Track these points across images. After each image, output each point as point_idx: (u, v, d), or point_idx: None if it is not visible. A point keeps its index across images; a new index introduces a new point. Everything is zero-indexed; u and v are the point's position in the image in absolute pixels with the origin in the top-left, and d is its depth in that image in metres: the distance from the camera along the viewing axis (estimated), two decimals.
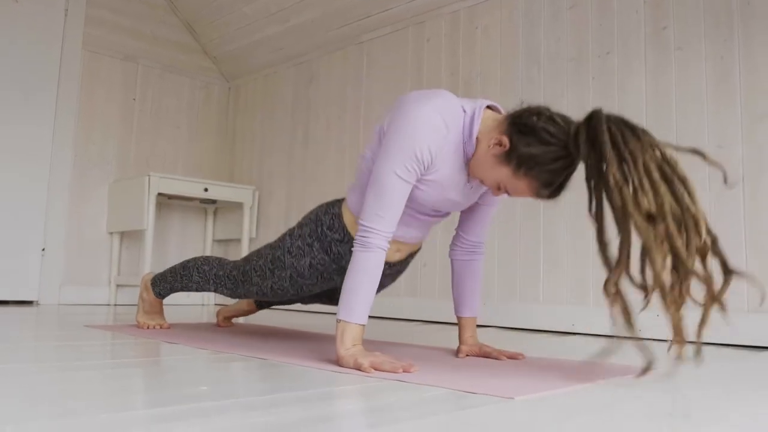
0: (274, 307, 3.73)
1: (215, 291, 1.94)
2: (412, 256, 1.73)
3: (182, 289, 2.05)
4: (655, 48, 2.39)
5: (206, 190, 3.69)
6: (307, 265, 1.65)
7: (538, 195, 1.45)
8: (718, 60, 2.23)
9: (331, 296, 1.97)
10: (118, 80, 3.90)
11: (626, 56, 2.46)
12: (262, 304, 2.33)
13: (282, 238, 1.73)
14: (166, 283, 2.08)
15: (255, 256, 1.79)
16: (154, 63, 4.06)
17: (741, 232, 2.11)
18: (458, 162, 1.45)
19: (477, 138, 1.42)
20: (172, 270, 2.06)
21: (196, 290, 2.00)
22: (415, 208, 1.53)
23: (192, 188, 3.64)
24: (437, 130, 1.38)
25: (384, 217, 1.39)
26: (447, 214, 1.63)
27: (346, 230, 1.60)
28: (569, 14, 2.66)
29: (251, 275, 1.78)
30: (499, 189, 1.45)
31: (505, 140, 1.36)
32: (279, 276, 1.71)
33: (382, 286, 1.73)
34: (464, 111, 1.44)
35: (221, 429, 0.78)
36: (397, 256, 1.64)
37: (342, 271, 1.66)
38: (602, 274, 2.37)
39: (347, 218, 1.60)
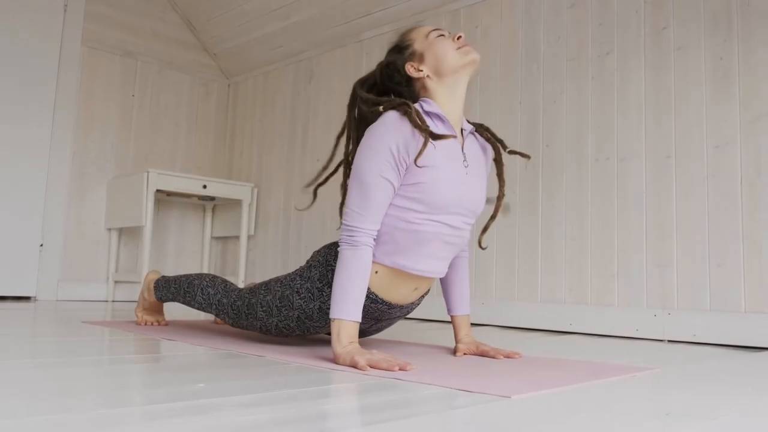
0: None
1: (215, 314, 1.87)
2: (423, 297, 1.69)
3: (184, 303, 2.00)
4: (654, 48, 2.39)
5: (205, 187, 3.69)
6: (316, 308, 1.59)
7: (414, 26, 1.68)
8: (718, 60, 2.23)
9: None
10: (117, 76, 3.90)
11: (626, 56, 2.46)
12: None
13: (292, 278, 1.66)
14: (169, 292, 2.05)
15: (263, 290, 1.71)
16: (153, 59, 4.06)
17: (739, 232, 2.11)
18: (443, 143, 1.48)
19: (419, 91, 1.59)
20: (177, 282, 2.01)
21: (197, 309, 1.95)
22: (435, 219, 1.49)
23: (191, 185, 3.64)
24: (399, 120, 1.44)
25: (366, 216, 1.42)
26: (465, 229, 1.60)
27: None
28: (569, 13, 2.65)
29: (256, 309, 1.70)
30: (453, 40, 1.61)
31: (408, 67, 1.59)
32: (286, 315, 1.64)
33: (382, 328, 1.75)
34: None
35: (218, 426, 0.78)
36: (413, 296, 1.61)
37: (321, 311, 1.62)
38: (601, 272, 2.37)
39: None
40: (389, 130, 1.43)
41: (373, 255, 1.51)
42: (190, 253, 4.14)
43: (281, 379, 1.16)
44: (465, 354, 1.62)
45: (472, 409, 0.93)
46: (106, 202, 3.78)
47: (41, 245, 3.51)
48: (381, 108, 1.48)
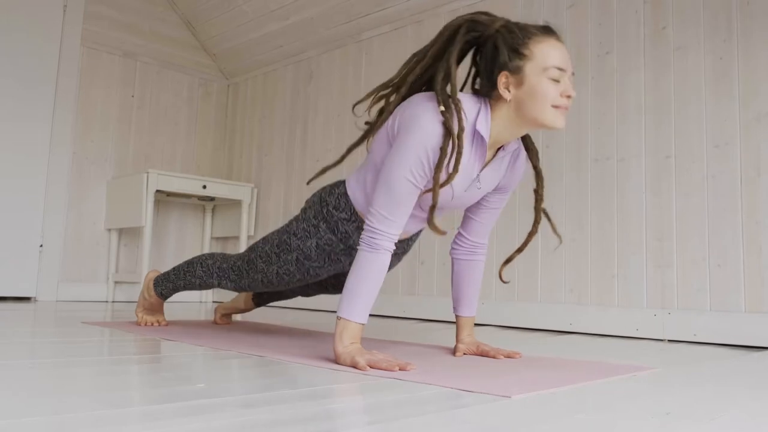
0: (271, 305, 3.72)
1: (219, 285, 1.93)
2: (417, 234, 1.77)
3: (185, 287, 2.04)
4: (654, 48, 2.39)
5: (205, 187, 3.69)
6: (313, 246, 1.65)
7: (549, 34, 1.42)
8: (717, 60, 2.23)
9: (336, 284, 1.98)
10: (116, 77, 3.90)
11: (626, 56, 2.46)
12: (259, 301, 2.32)
13: (288, 223, 1.73)
14: (168, 282, 2.08)
15: (260, 242, 1.79)
16: (152, 60, 4.05)
17: (739, 232, 2.11)
18: (467, 158, 1.45)
19: (491, 121, 1.44)
20: (176, 268, 2.06)
21: (200, 286, 1.98)
22: (421, 206, 1.54)
23: (190, 185, 3.64)
24: (440, 128, 1.37)
25: (392, 220, 1.39)
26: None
27: (353, 209, 1.60)
28: (568, 13, 2.65)
29: (256, 263, 1.77)
30: (561, 96, 1.40)
31: (503, 77, 1.39)
32: (285, 260, 1.70)
33: (390, 266, 1.73)
34: (472, 105, 1.44)
35: (218, 426, 0.78)
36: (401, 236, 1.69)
37: (350, 251, 1.66)
38: (601, 272, 2.38)
39: (353, 198, 1.60)
40: (427, 135, 1.37)
41: (355, 203, 1.59)
42: (190, 253, 4.14)
43: (281, 379, 1.16)
44: (465, 354, 1.62)
45: (472, 409, 0.93)
46: (105, 202, 3.78)
47: (41, 246, 3.51)
48: (442, 108, 1.37)
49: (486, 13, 1.46)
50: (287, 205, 3.83)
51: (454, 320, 1.72)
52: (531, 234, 1.57)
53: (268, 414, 0.86)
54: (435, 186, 1.36)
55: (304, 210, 1.70)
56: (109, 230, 3.76)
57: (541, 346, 1.94)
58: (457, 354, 1.61)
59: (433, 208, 1.40)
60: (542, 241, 2.60)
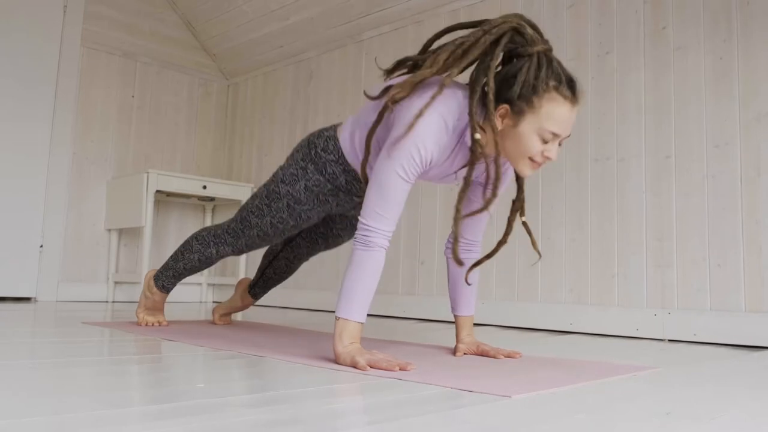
0: (270, 305, 3.73)
1: (217, 254, 1.98)
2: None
3: (185, 269, 2.07)
4: (654, 48, 2.39)
5: (205, 187, 3.69)
6: (302, 188, 1.71)
7: (566, 97, 1.39)
8: (717, 60, 2.23)
9: (325, 233, 2.05)
10: (116, 77, 3.90)
11: (626, 56, 2.46)
12: (256, 292, 2.33)
13: (273, 174, 1.81)
14: (168, 270, 2.11)
15: (249, 200, 1.87)
16: (152, 60, 4.05)
17: (739, 232, 2.11)
18: (449, 155, 1.48)
19: (479, 131, 1.41)
20: (173, 255, 2.11)
21: (199, 262, 2.02)
22: None
23: (190, 185, 3.64)
24: (439, 132, 1.39)
25: (386, 217, 1.40)
26: None
27: (341, 152, 1.64)
28: (569, 13, 2.65)
29: (249, 218, 1.85)
30: (541, 155, 1.41)
31: (502, 108, 1.38)
32: (276, 208, 1.77)
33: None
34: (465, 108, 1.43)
35: (218, 426, 0.77)
36: None
37: (336, 191, 1.72)
38: (601, 272, 2.38)
39: (342, 144, 1.64)
40: (430, 137, 1.38)
41: (343, 149, 1.63)
42: None
43: (282, 379, 1.16)
44: (465, 354, 1.62)
45: (472, 409, 0.93)
46: (105, 202, 3.78)
47: (41, 246, 3.51)
48: (477, 136, 1.38)
49: (533, 26, 1.44)
50: None
51: (451, 321, 1.72)
52: (500, 243, 1.56)
53: (268, 414, 0.86)
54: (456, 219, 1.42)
55: (291, 155, 1.77)
56: (109, 230, 3.76)
57: (542, 346, 1.94)
58: (458, 354, 1.61)
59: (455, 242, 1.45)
60: (542, 242, 2.60)
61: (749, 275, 2.08)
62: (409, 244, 3.11)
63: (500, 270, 2.74)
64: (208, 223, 4.18)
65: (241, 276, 3.92)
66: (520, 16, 1.44)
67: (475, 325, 2.72)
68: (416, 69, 1.50)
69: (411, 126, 1.36)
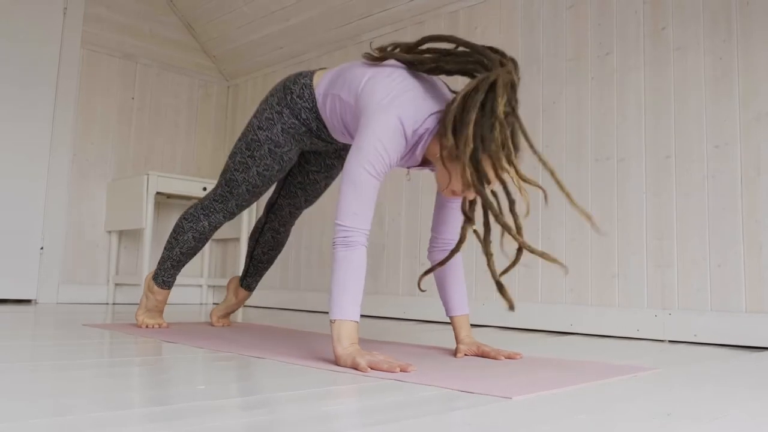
0: (270, 305, 3.72)
1: (210, 225, 2.03)
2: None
3: (181, 255, 2.10)
4: (654, 48, 2.39)
5: (205, 189, 3.69)
6: (279, 131, 1.80)
7: (501, 168, 1.42)
8: (717, 60, 2.23)
9: (304, 186, 2.13)
10: (116, 79, 3.90)
11: (625, 56, 2.46)
12: (248, 283, 2.34)
13: (248, 125, 1.88)
14: (164, 262, 2.13)
15: (229, 161, 1.93)
16: (152, 61, 4.06)
17: (739, 232, 2.11)
18: (403, 155, 1.53)
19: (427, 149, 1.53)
20: (165, 245, 2.14)
21: (194, 241, 2.06)
22: None
23: (190, 187, 3.64)
24: (400, 136, 1.45)
25: (362, 215, 1.43)
26: None
27: (315, 102, 1.72)
28: (568, 14, 2.66)
29: (235, 177, 1.92)
30: (461, 192, 1.50)
31: (450, 141, 1.41)
32: (259, 156, 1.85)
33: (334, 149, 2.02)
34: (424, 116, 1.48)
35: (219, 428, 0.77)
36: None
37: (309, 133, 1.80)
38: (601, 273, 2.38)
39: (317, 95, 1.71)
40: (395, 136, 1.44)
41: (318, 100, 1.69)
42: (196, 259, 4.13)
43: (282, 381, 1.16)
44: (466, 355, 1.62)
45: (473, 411, 0.93)
46: (106, 204, 3.78)
47: (41, 248, 3.51)
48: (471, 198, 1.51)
49: (513, 88, 1.44)
50: None
51: (450, 323, 1.72)
52: (452, 251, 1.61)
53: (268, 415, 0.86)
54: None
55: (266, 99, 1.84)
56: (110, 232, 3.76)
57: (542, 347, 1.94)
58: (458, 355, 1.61)
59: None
60: (542, 242, 2.60)
61: (750, 275, 2.08)
62: (409, 245, 3.11)
63: (500, 270, 2.74)
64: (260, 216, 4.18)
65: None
66: (515, 69, 1.45)
67: (476, 326, 2.72)
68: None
69: (377, 127, 1.43)
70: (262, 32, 3.89)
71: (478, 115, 1.37)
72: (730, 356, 1.80)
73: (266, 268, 2.32)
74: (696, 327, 2.16)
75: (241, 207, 2.00)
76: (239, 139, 1.91)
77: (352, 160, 1.44)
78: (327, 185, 2.15)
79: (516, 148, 1.43)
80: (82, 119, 3.74)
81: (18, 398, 0.93)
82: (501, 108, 1.36)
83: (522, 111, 2.76)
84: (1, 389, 0.99)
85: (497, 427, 0.83)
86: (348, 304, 1.37)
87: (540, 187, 1.45)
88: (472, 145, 1.37)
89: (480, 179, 1.40)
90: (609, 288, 2.40)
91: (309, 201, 2.18)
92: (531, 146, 1.42)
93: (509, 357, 1.59)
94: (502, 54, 1.46)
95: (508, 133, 1.39)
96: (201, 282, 4.05)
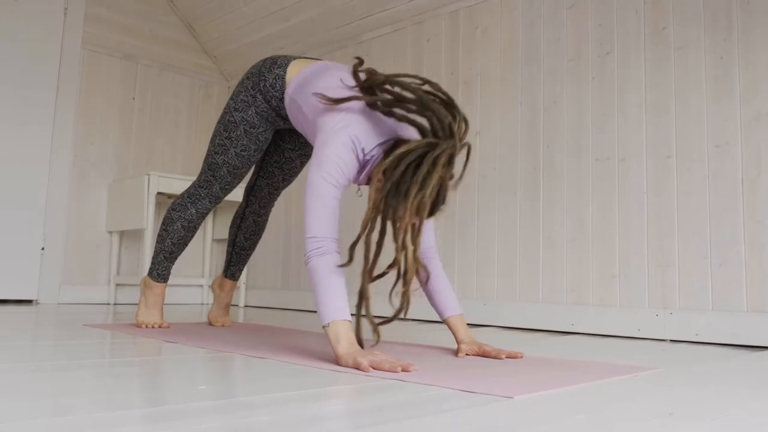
0: (269, 306, 3.72)
1: (197, 213, 2.10)
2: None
3: (173, 246, 2.14)
4: (654, 47, 2.39)
5: None
6: (254, 113, 1.90)
7: (420, 218, 1.48)
8: (718, 59, 2.23)
9: (281, 165, 2.21)
10: (117, 79, 3.90)
11: (626, 56, 2.46)
12: (233, 272, 2.38)
13: (226, 105, 1.98)
14: (157, 256, 2.18)
15: (209, 146, 2.03)
16: (153, 62, 4.06)
17: (740, 231, 2.11)
18: (354, 175, 1.58)
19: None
20: (156, 239, 2.20)
21: (184, 230, 2.12)
22: None
23: None
24: (354, 153, 1.51)
25: (328, 225, 1.46)
26: None
27: (284, 93, 1.81)
28: (569, 14, 2.65)
29: (215, 160, 2.00)
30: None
31: (386, 174, 1.45)
32: (236, 137, 1.94)
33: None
34: (372, 145, 1.53)
35: (220, 428, 0.77)
36: None
37: (282, 117, 1.90)
38: (602, 273, 2.38)
39: (287, 88, 1.79)
40: (349, 152, 1.51)
41: (287, 90, 1.78)
42: (192, 255, 4.14)
43: (283, 381, 1.16)
44: (467, 354, 1.62)
45: (474, 410, 0.93)
46: (107, 205, 3.78)
47: (42, 249, 3.51)
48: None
49: (451, 161, 1.44)
50: (288, 206, 3.83)
51: (447, 326, 1.71)
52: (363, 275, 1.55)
53: (270, 416, 0.86)
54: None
55: (241, 81, 1.94)
56: (111, 233, 3.77)
57: (543, 347, 1.94)
58: (459, 355, 1.61)
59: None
60: (543, 241, 2.60)
61: (751, 275, 2.08)
62: None
63: (501, 271, 2.74)
64: (210, 225, 4.19)
65: (243, 278, 3.92)
66: (465, 130, 1.46)
67: (477, 326, 2.72)
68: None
69: (333, 146, 1.49)
70: (263, 32, 3.89)
71: (409, 176, 1.39)
72: (731, 356, 1.80)
73: (249, 255, 2.38)
74: (697, 326, 2.15)
75: (225, 190, 2.07)
76: (218, 122, 2.01)
77: (313, 173, 1.49)
78: (303, 163, 2.23)
79: (432, 213, 1.48)
80: (83, 120, 3.74)
81: (18, 398, 0.93)
82: (432, 183, 1.39)
83: (522, 110, 2.76)
84: (2, 389, 0.99)
85: (498, 426, 0.83)
86: (336, 305, 1.38)
87: (420, 280, 1.61)
88: (388, 195, 1.41)
89: (382, 221, 1.47)
90: (610, 288, 2.40)
91: (286, 180, 2.25)
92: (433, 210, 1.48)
93: (510, 356, 1.59)
94: (455, 115, 1.43)
95: (428, 203, 1.42)
96: (202, 282, 4.05)
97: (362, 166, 1.57)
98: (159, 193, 3.59)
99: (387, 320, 1.54)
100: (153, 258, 2.20)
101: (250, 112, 1.91)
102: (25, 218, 3.46)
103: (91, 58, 3.79)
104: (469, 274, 2.85)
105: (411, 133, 1.57)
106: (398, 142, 1.53)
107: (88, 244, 3.70)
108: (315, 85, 1.67)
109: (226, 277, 2.39)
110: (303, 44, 3.80)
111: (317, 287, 1.42)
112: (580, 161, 2.54)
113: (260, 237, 2.37)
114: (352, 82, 1.61)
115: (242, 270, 2.40)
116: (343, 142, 1.50)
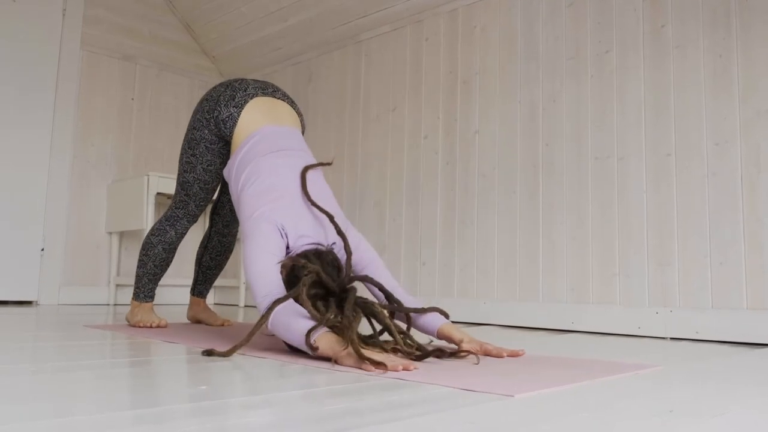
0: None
1: (176, 234, 2.16)
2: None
3: (155, 268, 2.19)
4: (653, 46, 2.39)
5: None
6: (209, 133, 2.00)
7: None
8: (717, 58, 2.23)
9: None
10: (116, 80, 3.90)
11: (625, 54, 2.46)
12: (201, 291, 2.44)
13: (189, 121, 2.12)
14: (140, 280, 2.21)
15: (179, 164, 2.12)
16: (152, 62, 4.06)
17: (739, 230, 2.11)
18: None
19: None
20: (137, 265, 2.23)
21: (164, 252, 2.17)
22: None
23: None
24: (279, 241, 1.61)
25: (270, 285, 1.50)
26: None
27: (234, 138, 1.92)
28: (568, 12, 2.65)
29: (186, 178, 2.09)
30: None
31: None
32: (200, 152, 2.04)
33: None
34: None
35: (221, 428, 0.77)
36: None
37: (228, 144, 2.02)
38: (602, 271, 2.38)
39: (239, 130, 1.92)
40: (272, 228, 1.62)
41: (233, 140, 1.94)
42: (191, 256, 4.14)
43: (283, 381, 1.16)
44: (469, 353, 1.61)
45: (475, 409, 0.93)
46: (106, 205, 3.78)
47: (42, 250, 3.51)
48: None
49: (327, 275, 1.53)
50: None
51: (455, 321, 1.71)
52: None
53: (270, 416, 0.86)
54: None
55: (201, 100, 2.05)
56: (110, 233, 3.76)
57: (543, 346, 1.94)
58: (462, 353, 1.60)
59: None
60: (543, 240, 2.60)
61: (751, 273, 2.08)
62: (410, 246, 3.12)
63: (501, 269, 2.74)
64: (207, 225, 4.18)
65: (243, 278, 3.91)
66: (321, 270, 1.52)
67: (478, 324, 2.72)
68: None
69: (257, 238, 1.59)
70: (261, 33, 3.89)
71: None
72: (731, 353, 1.80)
73: (216, 275, 2.44)
74: (697, 324, 2.16)
75: (200, 207, 2.16)
76: (184, 138, 2.10)
77: (246, 256, 1.57)
78: None
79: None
80: (82, 120, 3.74)
81: (19, 400, 0.93)
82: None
83: (522, 109, 2.76)
84: (2, 391, 0.99)
85: (499, 425, 0.83)
86: (306, 323, 1.37)
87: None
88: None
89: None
90: (610, 286, 2.40)
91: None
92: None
93: (512, 355, 1.58)
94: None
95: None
96: None
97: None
98: (158, 194, 3.59)
99: (419, 357, 1.42)
100: (136, 283, 2.23)
101: (206, 132, 2.01)
102: (25, 219, 3.46)
103: (90, 59, 3.79)
104: (469, 272, 2.85)
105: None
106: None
107: (87, 245, 3.70)
108: (254, 182, 1.74)
109: (194, 295, 2.45)
110: (301, 44, 3.80)
111: (289, 326, 1.40)
112: (580, 160, 2.54)
113: (227, 258, 2.42)
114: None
115: (209, 289, 2.47)
116: (261, 227, 1.60)
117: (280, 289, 1.50)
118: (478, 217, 2.86)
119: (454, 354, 1.47)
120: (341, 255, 1.69)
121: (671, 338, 2.22)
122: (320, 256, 1.57)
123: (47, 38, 3.60)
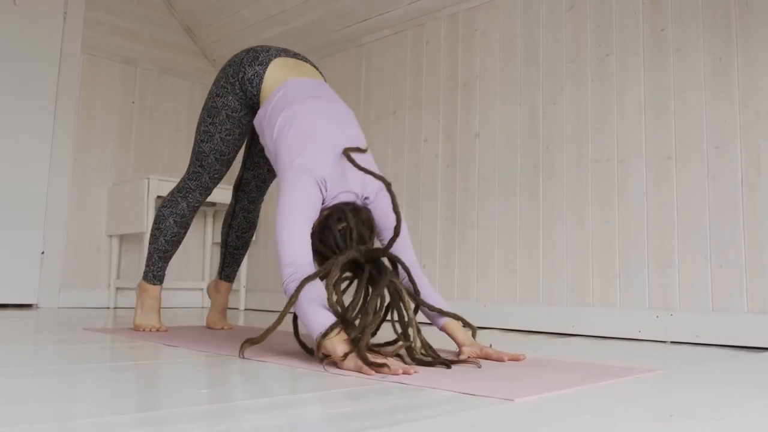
0: (269, 309, 3.72)
1: (188, 207, 2.11)
2: None
3: (166, 244, 2.14)
4: (653, 49, 2.39)
5: None
6: (233, 99, 1.96)
7: None
8: (717, 61, 2.23)
9: (264, 153, 2.21)
10: (116, 83, 3.90)
11: (625, 58, 2.46)
12: (229, 274, 2.38)
13: (209, 92, 2.05)
14: (151, 256, 2.17)
15: (195, 136, 2.06)
16: (152, 66, 4.06)
17: (740, 231, 2.11)
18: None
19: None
20: (149, 239, 2.18)
21: (176, 226, 2.12)
22: None
23: None
24: (317, 199, 1.57)
25: (300, 254, 1.48)
26: None
27: (261, 94, 1.88)
28: (568, 16, 2.66)
29: (202, 148, 2.03)
30: None
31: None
32: (220, 121, 1.99)
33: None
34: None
35: (221, 430, 0.77)
36: None
37: (255, 105, 1.95)
38: (602, 274, 2.38)
39: (266, 85, 1.87)
40: (312, 183, 1.56)
41: (262, 92, 1.88)
42: (192, 258, 4.14)
43: (284, 384, 1.16)
44: (469, 357, 1.61)
45: (475, 413, 0.93)
46: (107, 208, 3.78)
47: (42, 252, 3.51)
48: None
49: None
50: None
51: (445, 332, 1.70)
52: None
53: (270, 419, 0.86)
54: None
55: (223, 68, 2.01)
56: (111, 236, 3.77)
57: (544, 349, 1.94)
58: (462, 357, 1.60)
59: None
60: (543, 243, 2.60)
61: (751, 275, 2.08)
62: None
63: (501, 272, 2.74)
64: (210, 229, 4.19)
65: (243, 282, 3.91)
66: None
67: (479, 328, 2.72)
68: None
69: (293, 190, 1.55)
70: (263, 36, 3.89)
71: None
72: (732, 357, 1.80)
73: (242, 255, 2.38)
74: (698, 328, 2.15)
75: (214, 180, 2.09)
76: (202, 108, 2.05)
77: (279, 210, 1.53)
78: None
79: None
80: (83, 124, 3.74)
81: (19, 403, 0.93)
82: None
83: (522, 112, 2.76)
84: (2, 394, 0.99)
85: (500, 428, 0.83)
86: (321, 317, 1.36)
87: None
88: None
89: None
90: (610, 289, 2.40)
91: (272, 170, 2.24)
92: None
93: (513, 359, 1.58)
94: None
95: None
96: (201, 285, 4.05)
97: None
98: (159, 197, 3.59)
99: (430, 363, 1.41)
100: (147, 260, 2.19)
101: (230, 98, 1.96)
102: (25, 222, 3.46)
103: (90, 62, 3.80)
104: (469, 275, 2.85)
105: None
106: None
107: (88, 248, 3.70)
108: (292, 126, 1.68)
109: (221, 279, 2.40)
110: (303, 47, 3.80)
111: (302, 307, 1.39)
112: (580, 162, 2.54)
113: (252, 235, 2.37)
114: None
115: (237, 271, 2.41)
116: (308, 189, 1.55)
117: (306, 260, 1.46)
118: (478, 219, 2.86)
119: (456, 360, 1.47)
120: (376, 208, 1.67)
121: (672, 342, 2.21)
122: (357, 213, 1.55)
123: (48, 41, 3.61)
